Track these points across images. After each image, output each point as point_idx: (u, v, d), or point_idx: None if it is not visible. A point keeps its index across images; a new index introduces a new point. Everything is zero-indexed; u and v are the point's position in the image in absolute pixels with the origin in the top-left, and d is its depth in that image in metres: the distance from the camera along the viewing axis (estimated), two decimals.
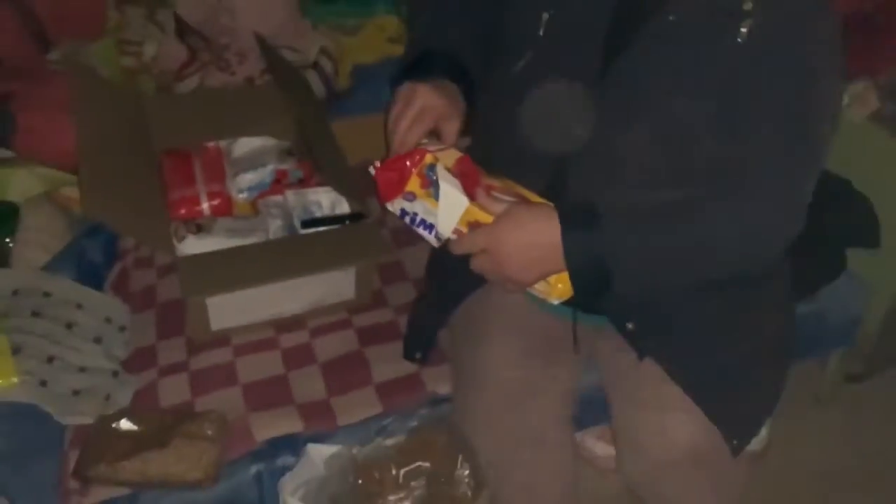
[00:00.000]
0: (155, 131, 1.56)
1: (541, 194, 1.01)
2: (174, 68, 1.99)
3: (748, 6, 0.93)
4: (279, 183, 1.53)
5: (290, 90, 1.51)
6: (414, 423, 1.15)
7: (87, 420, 1.18)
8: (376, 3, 2.09)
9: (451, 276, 1.16)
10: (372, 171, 1.01)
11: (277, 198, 1.51)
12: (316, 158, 1.33)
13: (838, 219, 1.51)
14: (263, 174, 1.53)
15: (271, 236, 1.44)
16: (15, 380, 1.15)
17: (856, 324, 1.59)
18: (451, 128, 1.03)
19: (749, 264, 1.01)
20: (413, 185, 0.97)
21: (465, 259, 1.00)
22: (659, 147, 0.99)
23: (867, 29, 1.51)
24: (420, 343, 1.28)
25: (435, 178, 0.96)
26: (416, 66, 1.08)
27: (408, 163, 0.97)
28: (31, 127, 1.53)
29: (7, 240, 1.44)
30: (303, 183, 1.53)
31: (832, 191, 1.53)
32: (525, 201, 0.99)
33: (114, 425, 1.16)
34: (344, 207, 1.48)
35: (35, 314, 1.27)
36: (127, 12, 2.11)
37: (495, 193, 0.98)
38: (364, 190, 1.40)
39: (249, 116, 1.63)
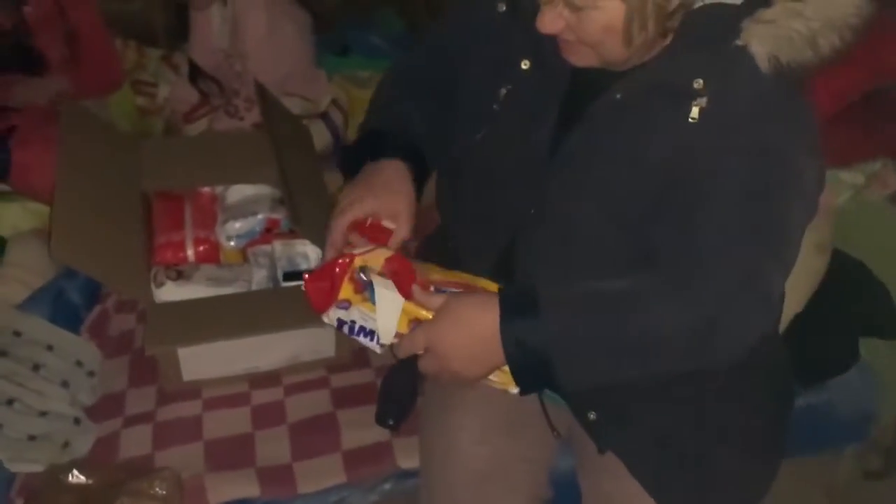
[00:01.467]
0: (151, 173, 1.54)
1: (493, 269, 0.96)
2: (184, 111, 2.00)
3: (698, 84, 0.87)
4: (269, 232, 1.50)
5: (283, 140, 1.49)
6: (374, 498, 1.08)
7: (38, 468, 1.14)
8: (391, 56, 2.08)
9: None
10: (301, 284, 0.97)
11: (266, 247, 1.47)
12: (294, 210, 1.29)
13: (851, 305, 1.43)
14: (253, 223, 1.49)
15: (254, 286, 1.40)
16: None
17: (868, 419, 1.48)
18: (400, 232, 0.98)
19: (708, 360, 0.93)
20: (346, 291, 0.93)
21: None
22: (605, 227, 0.94)
23: (885, 106, 1.45)
24: (394, 409, 1.20)
25: (368, 280, 0.92)
26: (365, 145, 1.06)
27: (336, 269, 0.94)
28: (26, 162, 1.53)
29: None
30: (293, 233, 1.50)
31: (846, 274, 1.45)
32: (467, 291, 0.94)
33: (62, 477, 1.11)
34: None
35: (2, 353, 1.24)
36: (145, 53, 2.14)
37: (435, 287, 0.93)
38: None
39: (248, 163, 1.60)
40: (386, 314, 0.92)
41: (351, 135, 1.98)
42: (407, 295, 0.92)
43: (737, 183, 0.87)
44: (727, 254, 0.88)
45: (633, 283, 0.90)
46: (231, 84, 1.96)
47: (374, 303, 0.92)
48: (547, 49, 0.95)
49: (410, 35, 2.24)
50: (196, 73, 2.00)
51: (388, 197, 0.98)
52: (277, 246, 1.45)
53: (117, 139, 1.49)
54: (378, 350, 0.97)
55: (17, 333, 1.28)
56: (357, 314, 0.94)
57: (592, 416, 1.00)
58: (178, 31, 2.12)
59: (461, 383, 0.95)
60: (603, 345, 0.90)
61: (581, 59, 0.92)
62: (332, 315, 0.96)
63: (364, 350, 1.42)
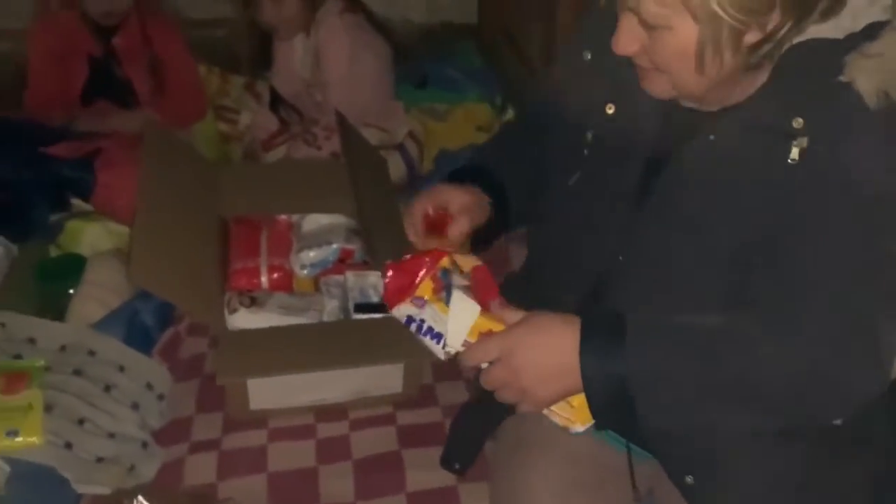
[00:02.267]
0: (230, 198, 1.56)
1: (578, 313, 0.92)
2: (264, 138, 2.03)
3: (798, 123, 0.82)
4: (343, 262, 1.49)
5: (361, 170, 1.48)
6: None
7: (105, 491, 1.14)
8: (468, 90, 2.08)
9: None
10: (384, 274, 0.96)
11: (338, 277, 1.46)
12: (370, 243, 1.27)
13: None
14: (328, 252, 1.49)
15: (325, 317, 1.38)
16: (39, 440, 1.12)
17: None
18: (459, 224, 1.02)
19: (807, 413, 0.86)
20: (425, 288, 0.92)
21: None
22: (700, 272, 0.90)
23: None
24: (461, 453, 1.17)
25: (448, 282, 0.90)
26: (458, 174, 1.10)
27: (426, 260, 0.93)
28: (110, 183, 1.56)
29: (70, 291, 1.45)
30: (366, 264, 1.49)
31: None
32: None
33: (126, 502, 1.10)
34: None
35: (76, 372, 1.25)
36: (228, 80, 2.19)
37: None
38: None
39: (325, 192, 1.60)
40: (459, 319, 0.90)
41: (426, 167, 1.98)
42: (485, 306, 0.89)
43: (846, 224, 0.81)
44: (836, 298, 0.82)
45: (731, 321, 0.85)
46: (310, 113, 1.98)
47: (448, 304, 0.90)
48: (631, 93, 0.94)
49: (488, 69, 2.23)
50: (277, 101, 2.03)
51: (459, 191, 1.04)
52: (350, 276, 1.43)
53: (197, 163, 1.51)
54: (442, 356, 0.93)
55: (92, 353, 1.29)
56: (429, 313, 0.92)
57: (690, 479, 0.94)
58: (260, 60, 2.16)
59: (526, 407, 0.90)
60: (693, 383, 0.84)
61: (657, 88, 0.90)
62: (402, 310, 0.94)
63: (432, 388, 1.41)
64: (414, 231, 1.04)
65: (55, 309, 1.43)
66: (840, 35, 0.83)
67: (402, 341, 1.29)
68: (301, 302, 1.40)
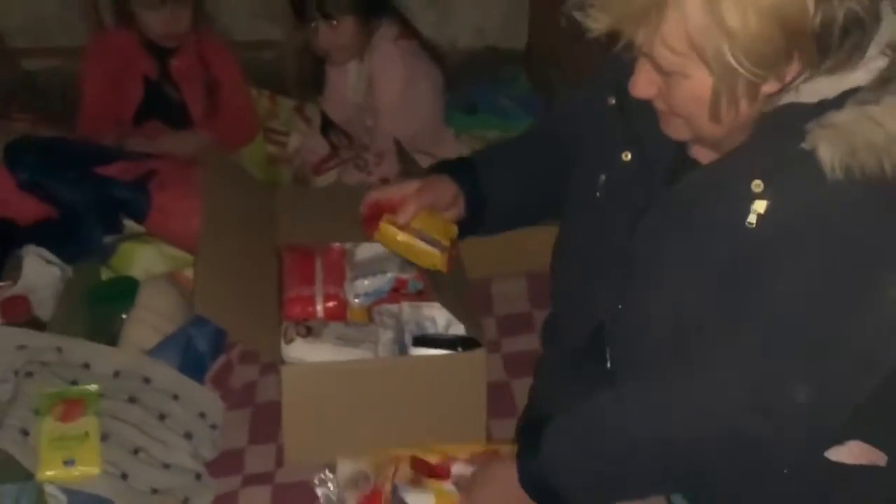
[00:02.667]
0: (284, 224, 1.54)
1: (585, 348, 1.05)
2: (314, 161, 2.02)
3: (757, 186, 0.80)
4: (397, 292, 1.46)
5: None
6: None
7: None
8: (519, 118, 2.07)
9: None
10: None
11: (393, 307, 1.43)
12: (431, 276, 1.25)
13: None
14: (382, 281, 1.46)
15: (381, 349, 1.36)
16: (97, 470, 1.10)
17: None
18: (409, 206, 1.11)
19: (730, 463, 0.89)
20: None
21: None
22: (664, 330, 0.92)
23: None
24: None
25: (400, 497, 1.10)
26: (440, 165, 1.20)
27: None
28: (164, 206, 1.56)
29: (123, 315, 1.44)
30: (421, 295, 1.46)
31: None
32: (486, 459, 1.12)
33: None
34: (458, 327, 1.39)
35: (131, 399, 1.23)
36: (277, 102, 2.19)
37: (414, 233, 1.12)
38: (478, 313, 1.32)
39: None
40: None
41: None
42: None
43: (789, 294, 0.80)
44: (751, 353, 0.83)
45: (619, 392, 0.93)
46: (361, 137, 1.97)
47: None
48: (650, 142, 0.94)
49: (538, 97, 2.22)
50: (328, 126, 2.03)
51: (408, 183, 1.16)
52: (406, 308, 1.41)
53: (255, 189, 1.50)
54: None
55: (147, 380, 1.27)
56: None
57: None
58: (309, 83, 2.16)
59: None
60: (589, 462, 0.95)
61: (675, 131, 0.89)
62: None
63: (487, 425, 1.37)
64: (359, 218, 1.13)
65: (107, 333, 1.42)
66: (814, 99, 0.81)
67: (458, 384, 1.28)
68: (356, 332, 1.37)
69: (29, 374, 1.21)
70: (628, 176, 0.98)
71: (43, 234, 1.53)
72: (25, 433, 1.13)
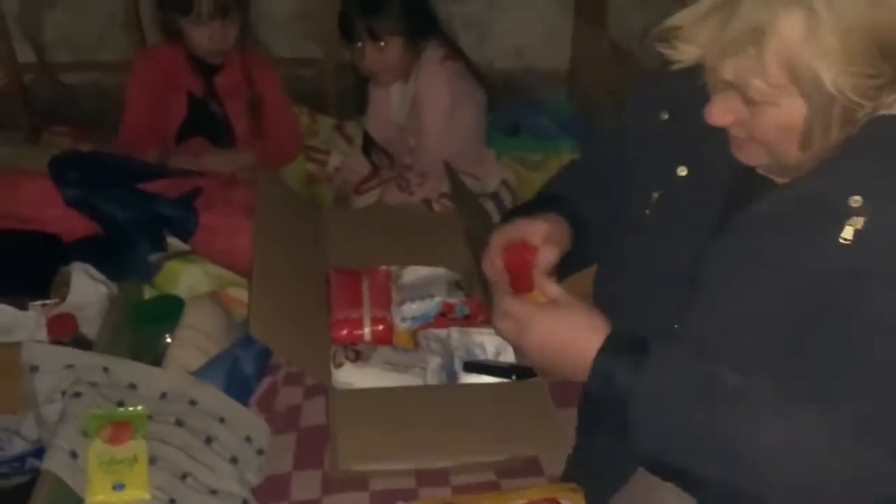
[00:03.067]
0: (328, 244, 1.53)
1: None
2: (355, 181, 2.01)
3: (856, 202, 0.78)
4: (444, 317, 1.44)
5: (471, 221, 1.45)
6: None
7: None
8: (561, 140, 2.05)
9: (597, 475, 1.09)
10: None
11: (440, 332, 1.41)
12: (490, 301, 1.23)
13: None
14: (430, 305, 1.45)
15: (429, 375, 1.34)
16: (147, 496, 1.08)
17: None
18: (546, 254, 1.01)
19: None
20: None
21: (611, 459, 1.01)
22: (741, 342, 0.89)
23: None
24: None
25: None
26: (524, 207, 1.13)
27: None
28: (211, 225, 1.55)
29: (167, 335, 1.42)
30: (468, 319, 1.44)
31: None
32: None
33: None
34: (508, 354, 1.36)
35: (178, 422, 1.21)
36: (318, 121, 2.18)
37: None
38: None
39: (423, 242, 1.58)
40: None
41: None
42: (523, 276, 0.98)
43: (888, 316, 0.77)
44: (860, 389, 0.79)
45: (751, 385, 0.85)
46: (402, 157, 1.95)
47: None
48: (706, 157, 0.92)
49: (580, 119, 2.20)
50: (370, 145, 2.02)
51: (537, 222, 1.03)
52: (454, 333, 1.39)
53: (305, 208, 1.49)
54: None
55: (193, 402, 1.25)
56: None
57: None
58: (350, 101, 2.15)
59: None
60: (687, 426, 0.86)
61: (751, 157, 0.87)
62: None
63: (536, 457, 1.34)
64: (492, 268, 1.03)
65: (152, 352, 1.40)
66: None
67: (514, 415, 1.25)
68: (405, 358, 1.35)
69: (77, 395, 1.19)
70: (683, 191, 0.96)
71: (88, 250, 1.52)
72: (74, 455, 1.11)
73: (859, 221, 0.78)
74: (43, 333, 1.36)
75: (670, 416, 0.86)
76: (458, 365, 1.33)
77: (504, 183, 1.94)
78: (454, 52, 1.89)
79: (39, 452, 1.21)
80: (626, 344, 0.88)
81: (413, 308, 1.44)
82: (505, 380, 1.29)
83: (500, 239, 1.03)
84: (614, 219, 1.07)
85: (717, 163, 0.92)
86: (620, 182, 1.06)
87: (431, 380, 1.33)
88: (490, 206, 1.88)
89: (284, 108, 1.99)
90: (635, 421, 0.87)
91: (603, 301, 1.09)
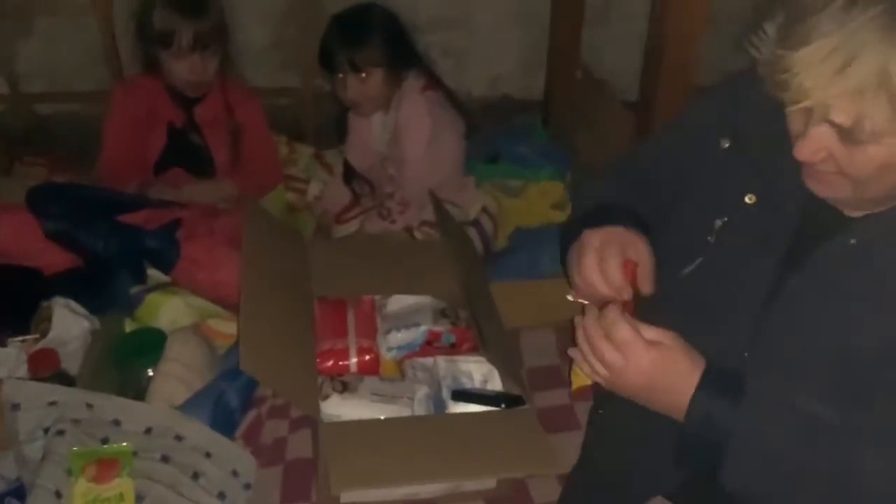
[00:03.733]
0: (312, 274, 1.52)
1: None
2: (335, 210, 2.01)
3: None
4: (430, 345, 1.44)
5: (456, 249, 1.45)
6: None
7: None
8: (542, 167, 2.07)
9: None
10: None
11: (426, 361, 1.41)
12: (480, 330, 1.23)
13: None
14: (415, 334, 1.44)
15: (416, 405, 1.33)
16: None
17: None
18: (642, 252, 0.98)
19: None
20: None
21: (613, 482, 1.00)
22: (827, 374, 0.87)
23: None
24: None
25: None
26: (592, 218, 1.03)
27: None
28: (193, 256, 1.54)
29: (149, 369, 1.40)
30: (454, 348, 1.44)
31: None
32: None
33: None
34: (496, 382, 1.36)
35: (164, 458, 1.20)
36: (296, 149, 2.18)
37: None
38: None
39: (407, 271, 1.57)
40: None
41: (500, 243, 1.95)
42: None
43: None
44: None
45: (849, 422, 0.84)
46: (383, 186, 1.96)
47: None
48: (777, 184, 0.91)
49: (557, 146, 2.22)
50: (350, 174, 2.02)
51: (643, 241, 0.98)
52: (441, 362, 1.38)
53: (290, 239, 1.48)
54: None
55: (179, 437, 1.24)
56: None
57: None
58: (329, 129, 2.16)
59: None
60: (787, 463, 0.85)
61: (833, 191, 0.87)
62: None
63: (525, 483, 1.34)
64: (612, 284, 0.95)
65: (135, 387, 1.39)
66: None
67: (505, 444, 1.25)
68: (392, 388, 1.35)
69: (60, 433, 1.17)
70: (751, 219, 0.95)
71: (69, 284, 1.50)
72: (59, 495, 1.09)
73: None
74: (24, 370, 1.33)
75: (766, 461, 0.86)
76: (445, 394, 1.33)
77: (485, 209, 1.95)
78: (434, 81, 1.91)
79: (20, 491, 1.18)
80: (719, 381, 0.87)
81: (399, 337, 1.44)
82: (493, 408, 1.30)
83: (614, 255, 0.96)
84: (668, 243, 1.04)
85: (787, 191, 0.91)
86: (678, 208, 1.04)
87: (419, 410, 1.33)
88: (472, 232, 1.89)
89: (265, 139, 1.99)
90: (729, 464, 0.86)
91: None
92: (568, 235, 1.04)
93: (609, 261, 0.95)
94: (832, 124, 0.80)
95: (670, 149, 1.11)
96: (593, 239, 0.97)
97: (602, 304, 0.92)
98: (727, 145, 0.97)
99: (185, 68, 1.80)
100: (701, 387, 0.86)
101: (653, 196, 1.09)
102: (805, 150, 0.83)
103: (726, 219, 0.96)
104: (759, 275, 0.93)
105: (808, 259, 0.89)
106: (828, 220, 0.90)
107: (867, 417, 0.84)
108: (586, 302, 0.96)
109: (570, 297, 1.00)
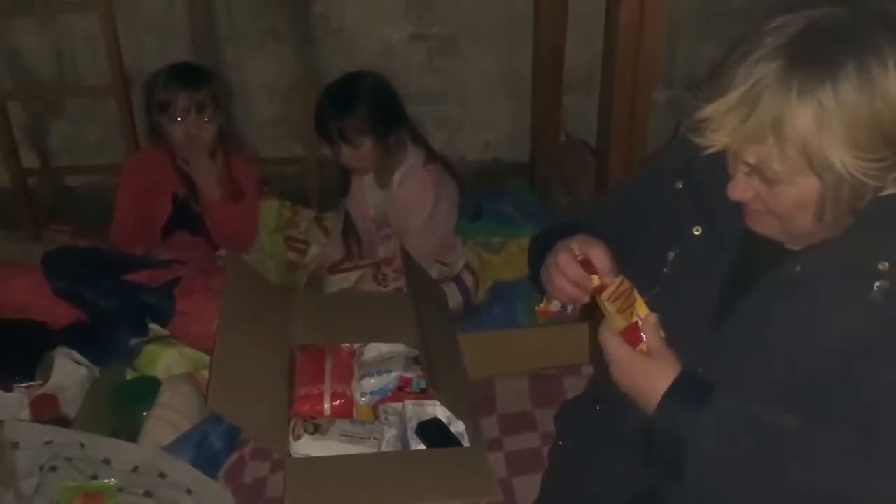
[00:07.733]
0: (298, 326, 1.63)
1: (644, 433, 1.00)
2: (327, 264, 2.14)
3: (884, 266, 0.88)
4: (401, 390, 1.53)
5: (423, 303, 1.55)
6: None
7: None
8: (523, 225, 2.17)
9: None
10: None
11: (397, 405, 1.50)
12: (432, 375, 1.33)
13: None
14: (387, 380, 1.54)
15: (384, 445, 1.42)
16: None
17: None
18: (595, 245, 1.06)
19: None
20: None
21: None
22: (777, 394, 0.95)
23: None
24: None
25: None
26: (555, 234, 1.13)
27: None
28: (187, 311, 1.66)
29: (144, 413, 1.52)
30: (424, 393, 1.53)
31: None
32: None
33: None
34: (458, 423, 1.45)
35: (147, 494, 1.30)
36: (299, 213, 2.33)
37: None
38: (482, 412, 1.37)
39: (386, 321, 1.67)
40: None
41: (481, 296, 2.05)
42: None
43: None
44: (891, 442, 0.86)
45: (805, 431, 0.91)
46: (375, 247, 2.09)
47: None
48: (720, 218, 1.02)
49: (541, 206, 2.33)
50: (348, 228, 2.16)
51: (599, 243, 1.06)
52: (408, 406, 1.48)
53: (272, 293, 1.60)
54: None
55: (163, 475, 1.34)
56: None
57: None
58: (330, 194, 2.32)
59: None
60: (745, 471, 0.91)
61: (765, 228, 0.97)
62: None
63: None
64: (574, 273, 1.05)
65: (129, 430, 1.49)
66: None
67: (459, 480, 1.33)
68: (361, 430, 1.44)
69: (53, 469, 1.28)
70: (699, 249, 1.05)
71: (74, 336, 1.64)
72: None
73: (886, 284, 0.88)
74: (26, 413, 1.46)
75: (724, 468, 0.93)
76: (410, 434, 1.42)
77: (467, 266, 2.06)
78: (431, 154, 2.06)
79: None
80: (687, 388, 0.95)
81: (371, 383, 1.53)
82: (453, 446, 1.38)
83: (570, 251, 1.06)
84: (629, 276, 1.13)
85: (730, 224, 1.01)
86: (640, 244, 1.14)
87: (386, 450, 1.41)
88: (453, 288, 2.00)
89: (252, 200, 2.16)
90: (687, 465, 0.93)
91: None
92: (533, 255, 1.18)
93: (562, 256, 1.06)
94: (748, 165, 0.90)
95: (632, 194, 1.22)
96: (555, 251, 1.08)
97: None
98: (680, 186, 1.08)
99: (181, 131, 2.01)
100: (662, 403, 0.94)
101: (617, 236, 1.17)
102: (734, 190, 0.94)
103: (678, 250, 1.06)
104: (706, 301, 1.02)
105: (755, 285, 0.98)
106: (769, 250, 0.99)
107: (822, 429, 0.91)
108: (555, 311, 1.11)
109: (537, 308, 1.13)
